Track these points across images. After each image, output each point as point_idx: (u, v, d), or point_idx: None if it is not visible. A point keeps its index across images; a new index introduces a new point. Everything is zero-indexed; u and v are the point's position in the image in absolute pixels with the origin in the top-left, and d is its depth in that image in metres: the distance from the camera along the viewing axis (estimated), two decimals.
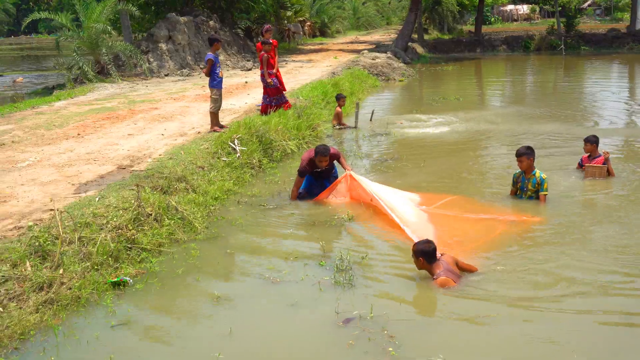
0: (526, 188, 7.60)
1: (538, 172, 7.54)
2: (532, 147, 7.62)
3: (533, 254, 6.10)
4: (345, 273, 5.67)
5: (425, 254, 5.42)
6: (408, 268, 5.78)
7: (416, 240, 5.85)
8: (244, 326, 4.89)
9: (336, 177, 8.30)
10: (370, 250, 6.32)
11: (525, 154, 7.46)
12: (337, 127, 12.99)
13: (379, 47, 29.87)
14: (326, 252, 6.24)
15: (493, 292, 5.28)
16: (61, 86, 19.61)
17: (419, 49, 33.29)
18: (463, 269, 5.61)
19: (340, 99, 13.33)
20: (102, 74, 19.60)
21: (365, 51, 27.11)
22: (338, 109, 13.16)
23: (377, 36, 45.79)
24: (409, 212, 7.14)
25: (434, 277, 5.39)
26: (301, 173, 8.06)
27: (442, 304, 5.13)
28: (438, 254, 5.53)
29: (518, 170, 7.68)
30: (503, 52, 35.45)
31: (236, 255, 6.42)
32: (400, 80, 22.58)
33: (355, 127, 12.95)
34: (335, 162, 8.35)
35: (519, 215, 7.15)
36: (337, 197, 8.03)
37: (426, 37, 40.17)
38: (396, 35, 34.91)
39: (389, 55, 25.99)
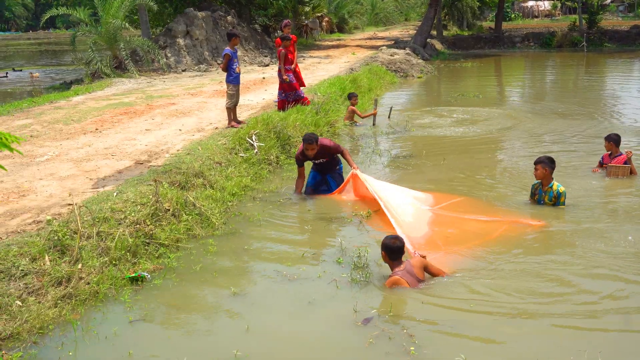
0: (543, 201, 7.27)
1: (556, 185, 7.20)
2: (554, 158, 7.30)
3: (542, 257, 5.95)
4: (363, 270, 5.62)
5: (388, 249, 5.35)
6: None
7: (406, 240, 5.87)
8: (261, 324, 4.86)
9: (340, 173, 8.33)
10: None
11: (542, 163, 7.15)
12: (354, 123, 12.93)
13: (397, 43, 29.73)
14: (343, 249, 6.18)
15: (507, 293, 5.20)
16: (79, 81, 19.73)
17: (438, 45, 33.08)
18: (433, 274, 5.48)
19: (352, 97, 13.26)
20: (120, 69, 19.69)
21: (384, 47, 26.97)
22: (351, 107, 13.09)
23: (395, 32, 45.61)
24: (407, 211, 7.03)
25: (390, 274, 5.34)
26: (297, 161, 8.15)
27: (462, 303, 5.04)
28: (415, 254, 5.56)
29: (537, 180, 7.35)
30: (524, 49, 35.10)
31: (253, 252, 6.38)
32: (418, 77, 22.44)
33: (374, 124, 12.85)
34: (340, 157, 8.35)
35: (524, 219, 6.94)
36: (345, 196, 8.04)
37: (445, 33, 39.95)
38: (415, 31, 34.75)
39: (408, 51, 25.84)
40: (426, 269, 5.45)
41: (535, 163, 7.24)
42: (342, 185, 8.07)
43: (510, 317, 4.80)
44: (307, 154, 7.96)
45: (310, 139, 7.89)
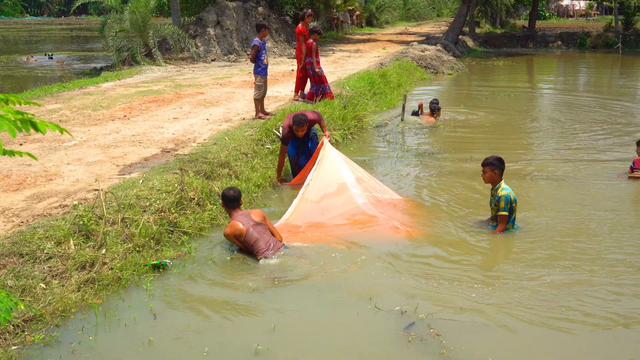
0: (492, 205, 6.49)
1: (501, 188, 6.30)
2: (502, 159, 6.41)
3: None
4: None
5: (223, 197, 6.07)
6: (436, 265, 5.72)
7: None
8: (283, 320, 4.78)
9: (315, 132, 8.64)
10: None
11: (489, 165, 6.30)
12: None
13: (428, 39, 29.43)
14: None
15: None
16: (108, 67, 19.88)
17: (470, 43, 32.67)
18: (272, 232, 5.99)
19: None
20: (150, 56, 19.80)
21: (415, 43, 26.74)
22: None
23: (427, 28, 45.23)
24: (323, 191, 7.09)
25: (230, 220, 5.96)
26: (284, 141, 8.22)
27: (486, 304, 4.95)
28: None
29: (486, 183, 6.55)
30: (557, 49, 34.49)
31: None
32: (449, 74, 22.18)
33: (402, 120, 12.74)
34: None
35: (397, 223, 6.55)
36: None
37: (478, 30, 39.43)
38: (447, 27, 34.36)
39: (439, 47, 25.57)
40: (265, 220, 6.03)
41: (483, 165, 6.39)
42: (315, 152, 8.02)
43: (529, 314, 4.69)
44: (297, 134, 8.11)
45: (302, 121, 7.98)
